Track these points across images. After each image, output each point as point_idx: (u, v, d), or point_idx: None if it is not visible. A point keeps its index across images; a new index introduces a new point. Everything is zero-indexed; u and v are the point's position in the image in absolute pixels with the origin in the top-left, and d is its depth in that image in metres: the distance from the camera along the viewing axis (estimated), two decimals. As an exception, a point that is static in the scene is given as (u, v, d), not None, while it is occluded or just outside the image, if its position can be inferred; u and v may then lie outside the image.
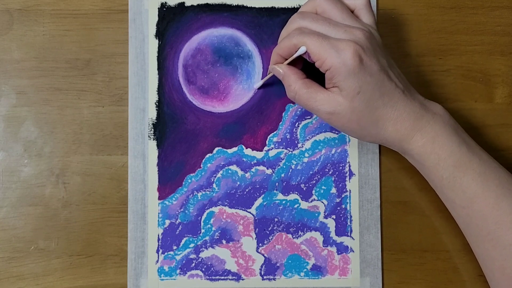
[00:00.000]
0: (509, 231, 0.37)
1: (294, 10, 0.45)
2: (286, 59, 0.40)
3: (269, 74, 0.43)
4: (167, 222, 0.44)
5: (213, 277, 0.44)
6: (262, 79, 0.45)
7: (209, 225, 0.45)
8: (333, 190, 0.45)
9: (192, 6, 0.45)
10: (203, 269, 0.44)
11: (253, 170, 0.45)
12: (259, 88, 0.45)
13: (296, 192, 0.45)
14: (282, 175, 0.45)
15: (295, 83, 0.39)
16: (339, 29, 0.38)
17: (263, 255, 0.45)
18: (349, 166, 0.45)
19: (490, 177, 0.38)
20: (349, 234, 0.45)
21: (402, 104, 0.38)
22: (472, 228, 0.38)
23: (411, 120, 0.38)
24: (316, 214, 0.45)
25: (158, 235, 0.44)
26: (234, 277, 0.44)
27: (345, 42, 0.37)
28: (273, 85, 0.45)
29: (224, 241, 0.45)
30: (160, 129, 0.45)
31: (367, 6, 0.40)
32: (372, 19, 0.40)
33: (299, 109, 0.45)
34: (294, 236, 0.45)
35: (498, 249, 0.37)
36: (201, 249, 0.44)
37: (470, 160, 0.38)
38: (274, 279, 0.44)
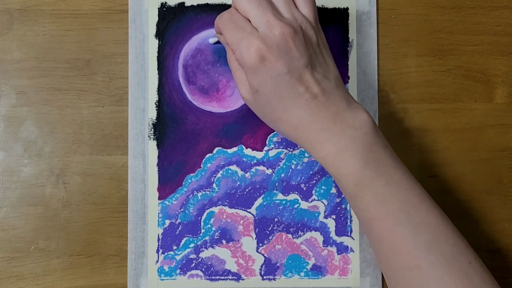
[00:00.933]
0: (401, 257, 0.35)
1: (294, 10, 0.45)
2: None
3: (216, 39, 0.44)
4: (167, 222, 0.44)
5: (213, 277, 0.44)
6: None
7: (209, 225, 0.45)
8: (333, 190, 0.45)
9: (192, 6, 0.45)
10: (203, 269, 0.44)
11: (253, 170, 0.45)
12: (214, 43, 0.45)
13: (296, 192, 0.45)
14: (282, 175, 0.45)
15: (231, 55, 0.39)
16: (262, 19, 0.36)
17: (263, 255, 0.45)
18: (349, 166, 0.45)
19: (392, 200, 0.36)
20: (349, 234, 0.45)
21: (307, 111, 0.36)
22: (372, 245, 0.38)
23: (315, 130, 0.36)
24: (316, 214, 0.45)
25: (158, 235, 0.44)
26: (234, 277, 0.44)
27: (252, 39, 0.35)
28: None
29: (224, 241, 0.45)
30: (160, 129, 0.45)
31: None
32: (310, 10, 0.38)
33: (299, 109, 0.45)
34: (294, 236, 0.45)
35: (391, 270, 0.36)
36: (201, 249, 0.44)
37: (372, 181, 0.36)
38: (274, 279, 0.44)
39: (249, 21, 0.37)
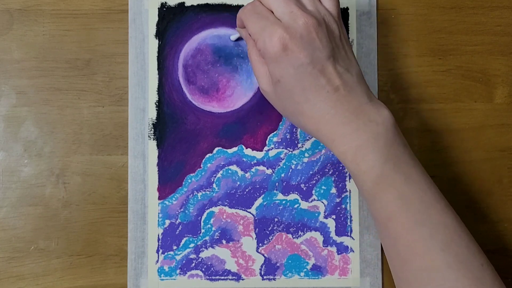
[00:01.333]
0: (418, 257, 0.35)
1: (294, 10, 0.45)
2: None
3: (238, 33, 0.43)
4: (167, 222, 0.44)
5: (213, 277, 0.44)
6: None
7: (209, 225, 0.45)
8: (333, 190, 0.45)
9: (192, 6, 0.45)
10: (203, 269, 0.44)
11: (253, 170, 0.45)
12: (236, 40, 0.45)
13: (296, 192, 0.45)
14: (282, 175, 0.45)
15: (252, 47, 0.38)
16: (286, 9, 0.36)
17: (263, 255, 0.45)
18: (349, 166, 0.45)
19: (411, 200, 0.35)
20: (349, 234, 0.45)
21: (328, 104, 0.36)
22: (387, 245, 0.37)
23: (335, 123, 0.36)
24: (316, 214, 0.45)
25: (158, 235, 0.44)
26: (234, 277, 0.44)
27: (275, 27, 0.35)
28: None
29: (224, 241, 0.45)
30: (160, 129, 0.45)
31: None
32: (333, 5, 0.38)
33: (299, 109, 0.45)
34: (294, 236, 0.45)
35: (406, 271, 0.36)
36: (201, 249, 0.44)
37: (393, 179, 0.35)
38: (274, 279, 0.44)
39: (272, 12, 0.37)
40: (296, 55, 0.35)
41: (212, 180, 0.45)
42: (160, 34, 0.45)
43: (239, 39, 0.45)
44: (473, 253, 0.36)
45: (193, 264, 0.44)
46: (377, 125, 0.36)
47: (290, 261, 0.45)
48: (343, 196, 0.45)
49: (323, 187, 0.45)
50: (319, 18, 0.36)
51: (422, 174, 0.36)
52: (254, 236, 0.45)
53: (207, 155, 0.45)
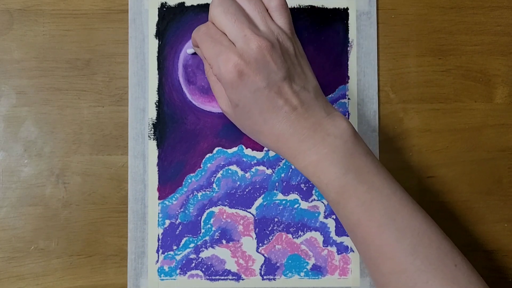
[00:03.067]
0: (386, 261, 0.36)
1: (293, 10, 0.45)
2: None
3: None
4: (167, 222, 0.44)
5: (213, 277, 0.44)
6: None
7: (209, 225, 0.45)
8: (333, 190, 0.45)
9: (192, 6, 0.45)
10: (203, 269, 0.44)
11: (253, 170, 0.45)
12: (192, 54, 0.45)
13: (296, 192, 0.45)
14: (282, 175, 0.45)
15: (209, 68, 0.39)
16: (239, 33, 0.36)
17: (263, 255, 0.45)
18: (349, 166, 0.45)
19: (375, 207, 0.36)
20: (349, 234, 0.45)
21: (286, 123, 0.36)
22: (359, 249, 0.38)
23: (295, 141, 0.36)
24: (316, 214, 0.45)
25: (158, 235, 0.44)
26: (234, 277, 0.44)
27: (230, 54, 0.35)
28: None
29: (224, 241, 0.45)
30: (160, 129, 0.45)
31: (280, 8, 0.38)
32: (285, 22, 0.38)
33: (299, 109, 0.45)
34: (294, 236, 0.45)
35: (378, 275, 0.37)
36: (201, 249, 0.44)
37: (355, 188, 0.36)
38: (274, 279, 0.44)
39: (226, 35, 0.37)
40: (252, 80, 0.35)
41: (212, 180, 0.45)
42: (160, 34, 0.45)
43: (195, 53, 0.45)
44: (445, 253, 0.36)
45: (193, 264, 0.44)
46: (335, 138, 0.36)
47: (290, 261, 0.45)
48: (343, 196, 0.45)
49: (323, 187, 0.45)
50: (272, 39, 0.36)
51: (386, 180, 0.37)
52: (254, 236, 0.45)
53: (207, 155, 0.45)
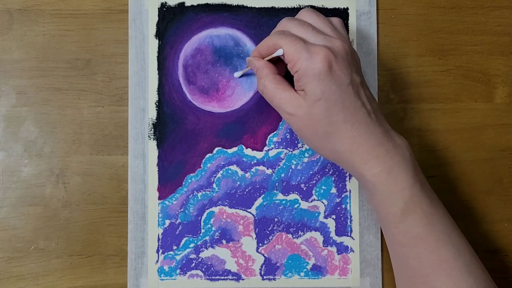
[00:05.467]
0: (442, 277, 0.36)
1: (294, 10, 0.45)
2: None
3: (248, 66, 0.43)
4: (167, 222, 0.44)
5: (213, 277, 0.44)
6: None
7: (209, 225, 0.45)
8: (333, 190, 0.45)
9: (192, 6, 0.45)
10: (203, 269, 0.44)
11: (253, 170, 0.45)
12: (240, 77, 0.45)
13: (296, 192, 0.45)
14: (282, 175, 0.45)
15: (266, 77, 0.39)
16: (319, 36, 0.37)
17: (263, 255, 0.45)
18: (349, 166, 0.45)
19: (436, 221, 0.36)
20: (349, 234, 0.45)
21: (364, 125, 0.37)
22: (407, 268, 0.37)
23: (370, 144, 0.37)
24: (316, 214, 0.45)
25: (158, 235, 0.44)
26: (234, 277, 0.44)
27: (319, 47, 0.36)
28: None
29: (224, 241, 0.45)
30: (160, 129, 0.45)
31: (341, 25, 0.40)
32: (347, 38, 0.40)
33: (299, 109, 0.45)
34: (294, 236, 0.45)
35: None
36: (201, 249, 0.44)
37: (420, 200, 0.36)
38: (274, 279, 0.44)
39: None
40: (339, 74, 0.36)
41: (212, 180, 0.45)
42: (160, 34, 0.45)
43: (242, 76, 0.45)
44: (489, 277, 0.37)
45: (193, 264, 0.44)
46: (404, 149, 0.37)
47: (290, 261, 0.45)
48: (343, 196, 0.45)
49: (323, 187, 0.45)
50: (348, 44, 0.38)
51: (439, 201, 0.38)
52: (254, 236, 0.45)
53: (207, 155, 0.45)
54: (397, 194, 0.36)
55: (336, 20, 0.40)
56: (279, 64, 0.41)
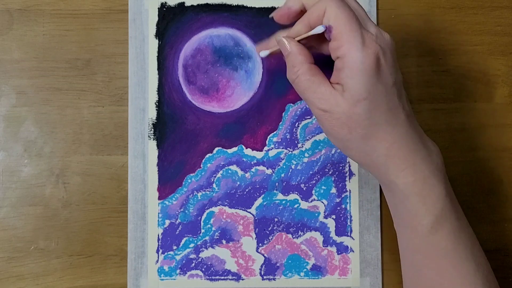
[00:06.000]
0: None
1: (294, 10, 0.45)
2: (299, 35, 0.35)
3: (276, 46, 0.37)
4: (167, 222, 0.44)
5: (213, 277, 0.44)
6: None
7: (209, 225, 0.45)
8: (333, 190, 0.45)
9: (192, 6, 0.45)
10: (203, 269, 0.44)
11: (253, 170, 0.45)
12: (266, 57, 0.39)
13: (296, 192, 0.45)
14: (282, 175, 0.45)
15: (300, 65, 0.34)
16: (371, 24, 0.34)
17: (263, 255, 0.45)
18: (349, 166, 0.45)
19: (462, 236, 0.35)
20: (349, 234, 0.45)
21: (403, 128, 0.34)
22: (421, 277, 0.36)
23: (408, 150, 0.34)
24: (316, 214, 0.45)
25: (158, 235, 0.44)
26: (234, 277, 0.44)
27: (373, 39, 0.33)
28: (273, 84, 0.45)
29: (224, 241, 0.45)
30: (160, 129, 0.45)
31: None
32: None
33: (299, 109, 0.45)
34: (294, 236, 0.45)
35: None
36: (201, 249, 0.44)
37: (450, 214, 0.34)
38: (274, 279, 0.44)
39: None
40: (385, 72, 0.33)
41: (212, 180, 0.45)
42: (160, 34, 0.45)
43: (270, 54, 0.39)
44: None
45: (193, 264, 0.44)
46: (437, 157, 0.35)
47: (290, 261, 0.45)
48: (343, 196, 0.45)
49: (323, 187, 0.45)
50: (394, 41, 0.35)
51: (463, 213, 0.37)
52: (254, 236, 0.45)
53: (207, 155, 0.45)
54: (429, 206, 0.34)
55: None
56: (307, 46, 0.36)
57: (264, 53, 0.38)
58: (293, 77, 0.35)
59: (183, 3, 0.45)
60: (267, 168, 0.45)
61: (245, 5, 0.45)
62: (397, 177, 0.34)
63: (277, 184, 0.45)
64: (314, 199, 0.45)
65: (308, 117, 0.45)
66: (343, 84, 0.33)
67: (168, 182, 0.45)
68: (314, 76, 0.34)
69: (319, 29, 0.33)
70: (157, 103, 0.45)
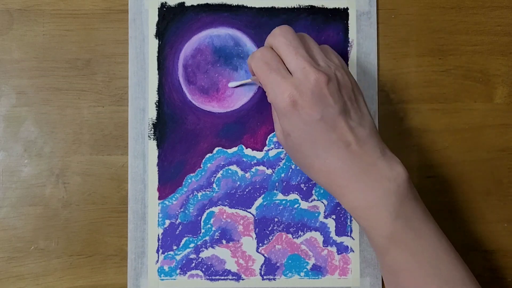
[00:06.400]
0: None
1: (294, 10, 0.45)
2: None
3: (250, 79, 0.43)
4: (167, 222, 0.44)
5: (213, 277, 0.44)
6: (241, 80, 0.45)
7: (209, 225, 0.45)
8: (333, 190, 0.45)
9: (192, 6, 0.45)
10: (203, 269, 0.44)
11: (253, 170, 0.45)
12: (235, 87, 0.45)
13: (296, 192, 0.45)
14: (282, 175, 0.45)
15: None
16: (298, 65, 0.36)
17: (263, 255, 0.45)
18: (349, 166, 0.45)
19: (422, 255, 0.35)
20: (349, 234, 0.45)
21: (339, 159, 0.36)
22: None
23: (347, 178, 0.36)
24: (316, 214, 0.45)
25: (158, 235, 0.44)
26: (234, 277, 0.44)
27: (286, 85, 0.35)
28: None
29: (224, 241, 0.45)
30: (160, 129, 0.45)
31: (329, 49, 0.39)
32: (338, 60, 0.39)
33: (299, 109, 0.45)
34: (294, 236, 0.45)
35: None
36: (201, 249, 0.44)
37: (404, 235, 0.35)
38: (274, 279, 0.44)
39: (283, 63, 0.37)
40: (306, 111, 0.35)
41: (212, 180, 0.45)
42: (160, 34, 0.45)
43: (237, 87, 0.45)
44: None
45: (193, 264, 0.44)
46: (389, 182, 0.36)
47: (290, 261, 0.45)
48: (343, 196, 0.45)
49: (323, 187, 0.45)
50: (330, 74, 0.36)
51: (433, 228, 0.37)
52: (254, 236, 0.45)
53: (207, 155, 0.45)
54: (376, 230, 0.36)
55: (326, 48, 0.39)
56: None
57: (233, 84, 0.45)
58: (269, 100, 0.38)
59: (183, 3, 0.45)
60: (267, 168, 0.45)
61: (245, 5, 0.45)
62: (342, 202, 0.37)
63: (277, 184, 0.45)
64: (314, 199, 0.45)
65: (308, 117, 0.45)
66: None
67: (168, 182, 0.45)
68: (274, 112, 0.39)
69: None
70: (157, 103, 0.45)
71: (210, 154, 0.45)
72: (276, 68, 0.36)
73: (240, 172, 0.45)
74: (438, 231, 0.37)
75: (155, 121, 0.45)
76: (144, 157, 0.45)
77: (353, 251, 0.45)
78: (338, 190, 0.36)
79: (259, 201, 0.45)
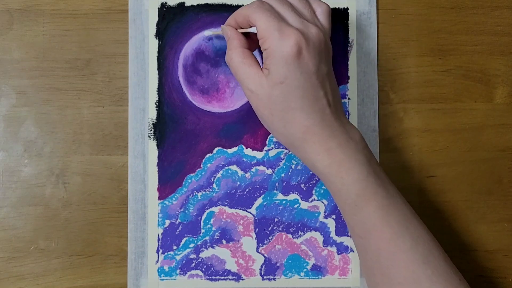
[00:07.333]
0: (399, 269, 0.35)
1: (294, 10, 0.45)
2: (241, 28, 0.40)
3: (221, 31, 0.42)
4: (167, 222, 0.44)
5: (213, 277, 0.44)
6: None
7: (209, 225, 0.45)
8: (333, 190, 0.45)
9: (192, 6, 0.45)
10: (203, 269, 0.44)
11: (253, 170, 0.45)
12: (209, 37, 0.45)
13: (296, 192, 0.45)
14: (282, 175, 0.45)
15: (234, 49, 0.38)
16: (296, 18, 0.37)
17: (263, 255, 0.45)
18: (349, 166, 0.45)
19: (392, 212, 0.36)
20: (349, 234, 0.45)
21: (319, 116, 0.37)
22: (367, 260, 0.37)
23: (324, 135, 0.37)
24: (316, 214, 0.45)
25: (158, 235, 0.44)
26: (234, 277, 0.44)
27: (293, 30, 0.36)
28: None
29: (224, 241, 0.45)
30: (160, 129, 0.45)
31: (326, 13, 0.39)
32: (329, 27, 0.39)
33: (299, 109, 0.45)
34: (294, 236, 0.45)
35: (387, 285, 0.36)
36: (201, 249, 0.44)
37: (375, 192, 0.36)
38: (274, 279, 0.44)
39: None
40: (306, 62, 0.36)
41: (212, 180, 0.45)
42: (160, 34, 0.45)
43: (211, 38, 0.45)
44: (450, 267, 0.37)
45: (193, 264, 0.44)
46: (357, 143, 0.37)
47: (290, 261, 0.45)
48: (343, 196, 0.45)
49: (323, 187, 0.45)
50: (323, 33, 0.37)
51: (397, 191, 0.38)
52: (254, 236, 0.45)
53: (207, 155, 0.45)
54: (349, 186, 0.36)
55: (323, 7, 0.39)
56: (252, 38, 0.40)
57: (208, 33, 0.44)
58: (228, 59, 0.39)
59: (183, 3, 0.45)
60: (267, 168, 0.45)
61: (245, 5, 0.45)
62: (316, 161, 0.37)
63: (277, 184, 0.45)
64: (314, 199, 0.45)
65: (308, 117, 0.45)
66: (269, 69, 0.36)
67: (168, 182, 0.45)
68: (245, 58, 0.38)
69: (254, 29, 0.38)
70: (157, 103, 0.45)
71: (210, 154, 0.45)
72: (280, 17, 0.37)
73: (240, 172, 0.45)
74: (401, 195, 0.38)
75: (155, 121, 0.45)
76: (144, 157, 0.45)
77: (353, 251, 0.45)
78: (313, 147, 0.37)
79: (259, 201, 0.45)
